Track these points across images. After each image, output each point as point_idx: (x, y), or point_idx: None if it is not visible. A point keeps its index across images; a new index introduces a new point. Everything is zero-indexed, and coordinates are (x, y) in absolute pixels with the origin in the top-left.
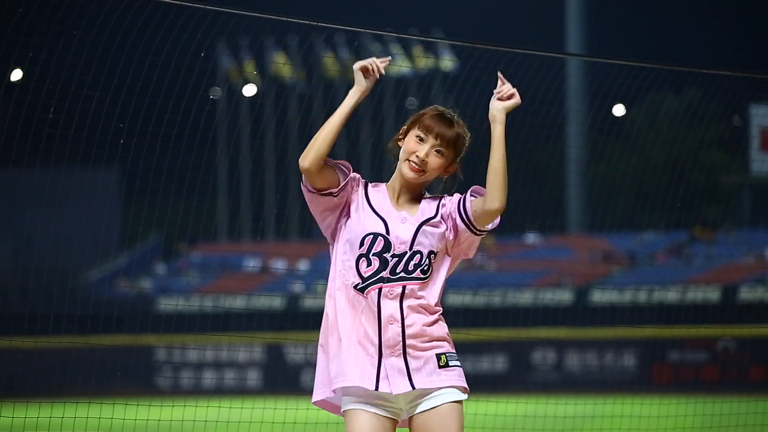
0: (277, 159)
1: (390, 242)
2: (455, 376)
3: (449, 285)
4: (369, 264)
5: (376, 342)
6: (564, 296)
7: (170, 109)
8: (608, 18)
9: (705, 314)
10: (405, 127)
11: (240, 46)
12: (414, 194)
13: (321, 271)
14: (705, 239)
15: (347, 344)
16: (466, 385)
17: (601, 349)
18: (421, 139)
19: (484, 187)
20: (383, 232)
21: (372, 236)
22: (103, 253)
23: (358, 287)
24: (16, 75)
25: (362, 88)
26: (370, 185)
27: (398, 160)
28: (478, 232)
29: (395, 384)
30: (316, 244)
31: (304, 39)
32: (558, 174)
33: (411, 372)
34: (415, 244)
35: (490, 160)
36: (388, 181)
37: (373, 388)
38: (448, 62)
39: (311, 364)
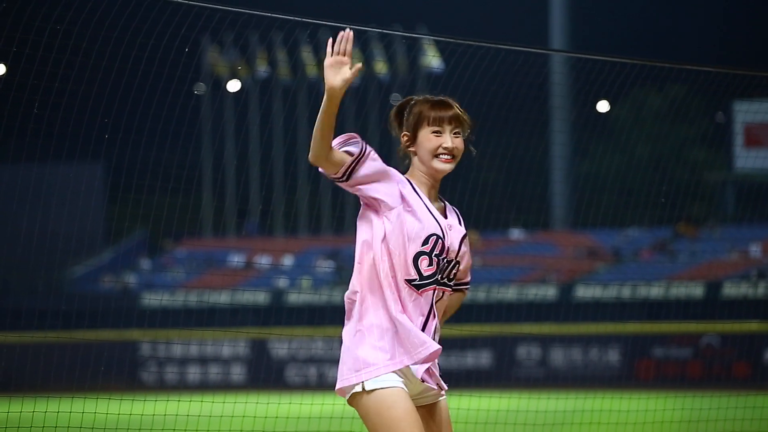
0: (262, 154)
1: (446, 247)
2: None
3: None
4: (430, 264)
5: (430, 336)
6: (549, 292)
7: (155, 105)
8: (592, 14)
9: (689, 310)
10: (407, 132)
11: (224, 41)
12: (436, 189)
13: (305, 266)
14: (689, 236)
15: (407, 323)
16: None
17: (586, 344)
18: (438, 133)
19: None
20: (441, 234)
21: (435, 237)
22: (88, 248)
23: (413, 283)
24: (0, 70)
25: (337, 84)
26: (410, 179)
27: (414, 163)
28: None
29: (435, 377)
30: (301, 239)
31: (288, 35)
32: (542, 170)
33: (433, 369)
34: (459, 254)
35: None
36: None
37: (419, 376)
38: (432, 58)
39: (295, 359)
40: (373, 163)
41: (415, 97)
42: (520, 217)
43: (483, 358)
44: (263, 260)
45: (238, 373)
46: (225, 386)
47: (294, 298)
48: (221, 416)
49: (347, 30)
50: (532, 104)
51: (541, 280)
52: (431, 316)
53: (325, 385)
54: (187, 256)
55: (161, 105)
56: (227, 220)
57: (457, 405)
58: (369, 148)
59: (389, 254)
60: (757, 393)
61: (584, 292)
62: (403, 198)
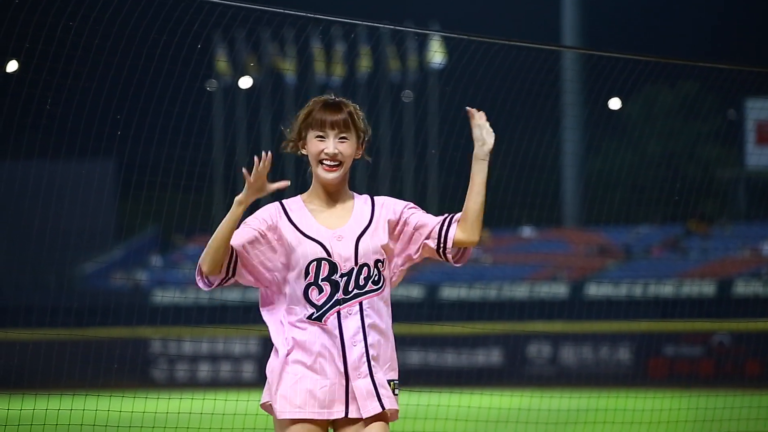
0: (274, 151)
1: (335, 264)
2: (395, 401)
3: (445, 278)
4: (321, 291)
5: (341, 366)
6: (559, 290)
7: (167, 102)
8: (604, 11)
9: (700, 308)
10: (295, 133)
11: (236, 38)
12: (341, 196)
13: None
14: (700, 233)
15: (316, 371)
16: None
17: (597, 342)
18: (322, 137)
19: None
20: (324, 255)
21: (315, 263)
22: (100, 245)
23: (313, 317)
24: (12, 66)
25: (246, 197)
26: (286, 207)
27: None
28: (444, 258)
29: (365, 407)
30: None
31: (300, 32)
32: (554, 168)
33: (379, 392)
34: (359, 258)
35: (474, 194)
36: (303, 193)
37: (343, 415)
38: (443, 55)
39: None
40: (244, 234)
41: (321, 97)
42: (532, 215)
43: (494, 356)
44: None
45: (249, 370)
46: (236, 384)
47: None
48: (234, 414)
49: (268, 154)
50: (543, 101)
51: (552, 278)
52: (352, 341)
53: None
54: (199, 253)
55: (173, 102)
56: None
57: (468, 403)
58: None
59: (283, 306)
60: None
61: (595, 290)
62: (276, 234)
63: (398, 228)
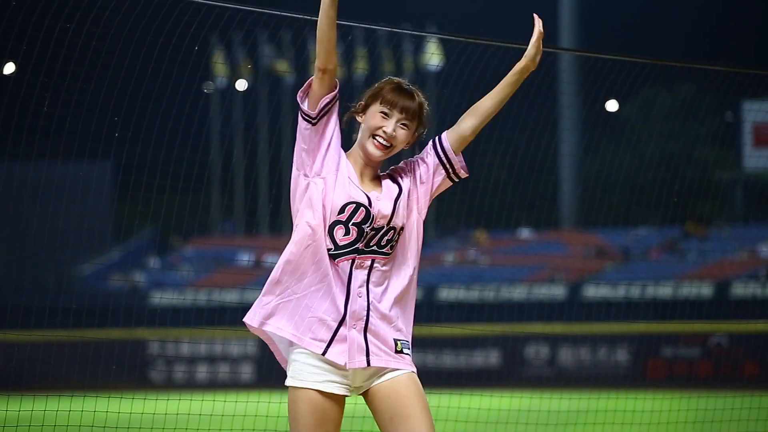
0: (271, 153)
1: (371, 215)
2: (409, 362)
3: (442, 279)
4: (347, 233)
5: (342, 311)
6: (557, 291)
7: (165, 103)
8: (601, 13)
9: (698, 310)
10: (362, 102)
11: (233, 40)
12: (374, 172)
13: None
14: (698, 235)
15: (304, 302)
16: (415, 370)
17: (595, 344)
18: (386, 115)
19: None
20: (366, 203)
21: (354, 205)
22: (97, 246)
23: (330, 252)
24: (10, 68)
25: None
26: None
27: (359, 135)
28: (453, 176)
29: (352, 358)
30: None
31: (297, 34)
32: (551, 169)
33: (369, 349)
34: (392, 220)
35: (493, 93)
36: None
37: (321, 352)
38: (439, 57)
39: None
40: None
41: (396, 79)
42: (530, 216)
43: (491, 358)
44: (272, 259)
45: (246, 372)
46: (234, 385)
47: None
48: (233, 416)
49: None
50: (541, 103)
51: (549, 280)
52: (358, 292)
53: None
54: (196, 255)
55: (171, 103)
56: (236, 219)
57: (467, 404)
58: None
59: (305, 225)
60: (766, 393)
61: (593, 291)
62: (326, 141)
63: (417, 184)
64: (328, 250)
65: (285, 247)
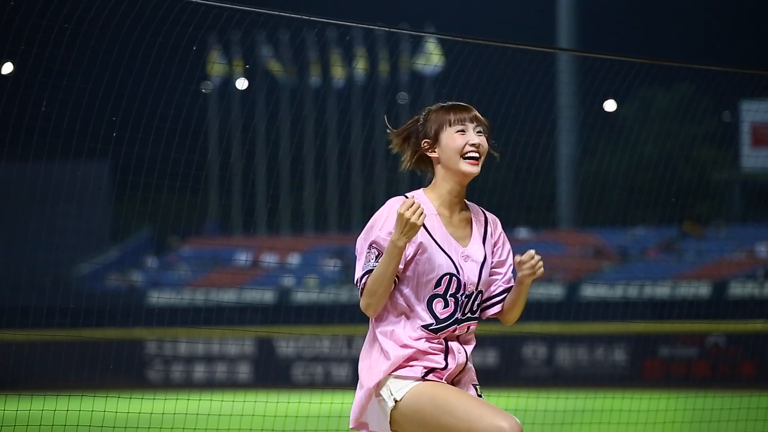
0: (269, 153)
1: (462, 283)
2: None
3: None
4: (446, 305)
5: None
6: (555, 291)
7: (162, 103)
8: (599, 13)
9: (696, 310)
10: (428, 140)
11: (231, 40)
12: (461, 202)
13: (312, 265)
14: (696, 235)
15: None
16: None
17: (592, 344)
18: (462, 131)
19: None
20: (455, 272)
21: (448, 276)
22: (95, 246)
23: (430, 328)
24: (7, 68)
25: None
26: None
27: (437, 169)
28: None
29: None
30: (307, 237)
31: (295, 34)
32: (549, 169)
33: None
34: (479, 285)
35: (518, 301)
36: (425, 189)
37: (443, 365)
38: (438, 57)
39: (302, 358)
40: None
41: (428, 108)
42: (528, 216)
43: (489, 358)
44: (270, 259)
45: (244, 371)
46: (231, 385)
47: (300, 296)
48: (230, 415)
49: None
50: (539, 103)
51: (547, 279)
52: (457, 349)
53: (331, 383)
54: (194, 255)
55: (168, 103)
56: (234, 219)
57: None
58: (376, 249)
59: (400, 304)
60: (764, 393)
61: (590, 291)
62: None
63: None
64: (428, 325)
65: (282, 246)
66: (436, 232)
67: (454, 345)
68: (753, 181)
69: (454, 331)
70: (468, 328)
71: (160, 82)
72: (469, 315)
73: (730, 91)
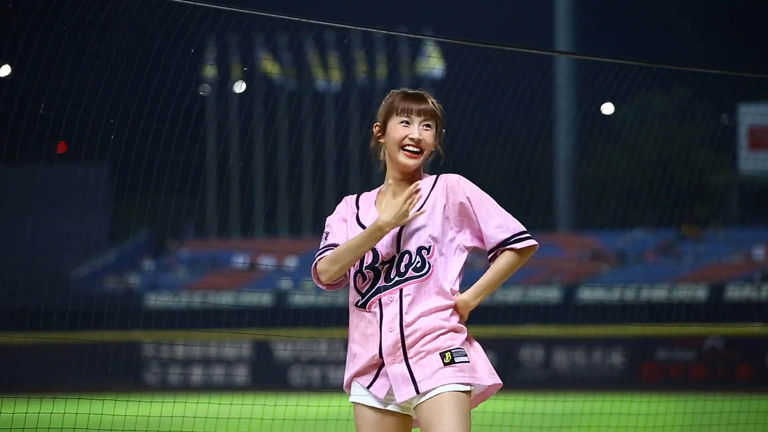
0: (267, 156)
1: (377, 252)
2: (455, 372)
3: None
4: (365, 279)
5: (377, 351)
6: (552, 294)
7: (160, 105)
8: (597, 16)
9: (693, 313)
10: (378, 123)
11: (229, 43)
12: (406, 185)
13: (309, 267)
14: (694, 238)
15: (357, 355)
16: (465, 381)
17: (590, 347)
18: (407, 123)
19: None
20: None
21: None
22: (93, 249)
23: (358, 304)
24: (5, 71)
25: (394, 222)
26: (361, 196)
27: (385, 158)
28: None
29: (399, 391)
30: (305, 240)
31: (293, 37)
32: (547, 172)
33: (415, 376)
34: (401, 246)
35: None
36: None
37: (366, 385)
38: (436, 60)
39: (299, 361)
40: (332, 234)
41: (402, 89)
42: (525, 219)
43: None
44: (267, 261)
45: (241, 374)
46: (228, 387)
47: (298, 299)
48: (228, 418)
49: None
50: (537, 106)
51: (545, 282)
52: (388, 327)
53: (328, 386)
54: (191, 257)
55: (167, 106)
56: (231, 221)
57: None
58: (328, 229)
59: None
60: (761, 396)
61: (588, 294)
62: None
63: (459, 218)
64: (356, 302)
65: (280, 248)
66: (363, 213)
67: (388, 321)
68: (751, 184)
69: (381, 298)
70: (401, 292)
71: (159, 84)
72: (396, 279)
73: (729, 94)
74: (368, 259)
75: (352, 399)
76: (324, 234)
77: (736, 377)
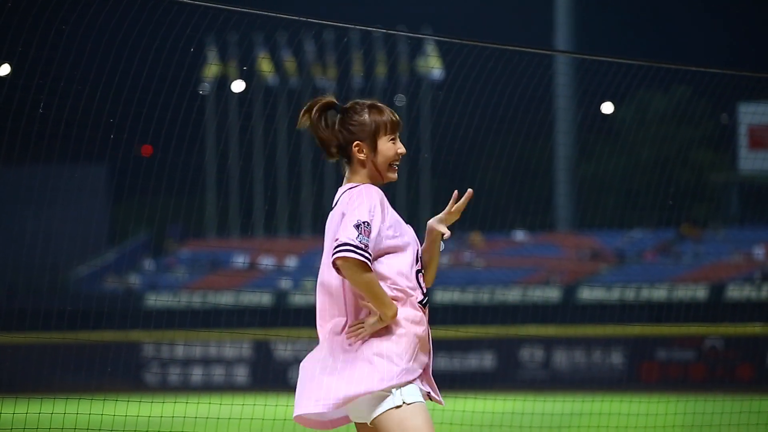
0: (266, 156)
1: (419, 257)
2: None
3: (437, 282)
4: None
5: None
6: (552, 294)
7: (159, 106)
8: (597, 15)
9: (693, 313)
10: (361, 141)
11: (229, 42)
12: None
13: (309, 267)
14: (693, 237)
15: (422, 359)
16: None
17: (589, 346)
18: (394, 140)
19: None
20: (419, 246)
21: (420, 250)
22: (92, 249)
23: (423, 303)
24: (4, 70)
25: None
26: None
27: (358, 167)
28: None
29: (438, 395)
30: (304, 240)
31: (293, 36)
32: (547, 172)
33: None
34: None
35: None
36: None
37: (419, 384)
38: (436, 59)
39: (299, 361)
40: (380, 230)
41: (360, 101)
42: (525, 219)
43: (486, 360)
44: (267, 261)
45: (241, 374)
46: (228, 388)
47: (298, 299)
48: (228, 418)
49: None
50: (536, 106)
51: (544, 282)
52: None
53: None
54: (191, 257)
55: (166, 106)
56: (231, 221)
57: (462, 407)
58: (371, 217)
59: (399, 282)
60: (761, 396)
61: (588, 294)
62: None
63: None
64: (421, 300)
65: (279, 248)
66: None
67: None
68: (750, 183)
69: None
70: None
71: (157, 84)
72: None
73: (728, 94)
74: (416, 261)
75: (416, 399)
76: (368, 218)
77: (737, 377)
